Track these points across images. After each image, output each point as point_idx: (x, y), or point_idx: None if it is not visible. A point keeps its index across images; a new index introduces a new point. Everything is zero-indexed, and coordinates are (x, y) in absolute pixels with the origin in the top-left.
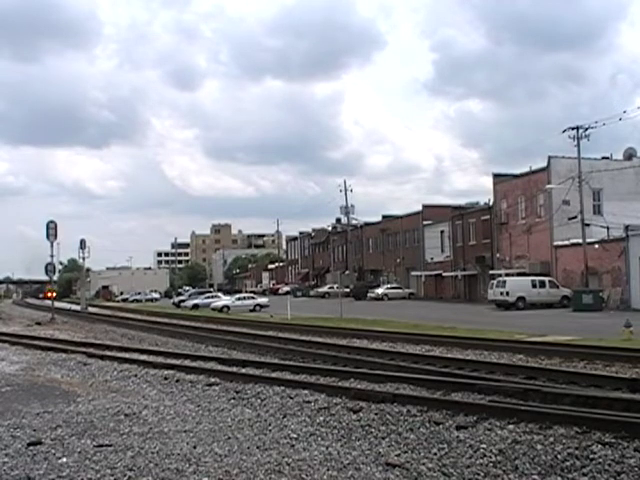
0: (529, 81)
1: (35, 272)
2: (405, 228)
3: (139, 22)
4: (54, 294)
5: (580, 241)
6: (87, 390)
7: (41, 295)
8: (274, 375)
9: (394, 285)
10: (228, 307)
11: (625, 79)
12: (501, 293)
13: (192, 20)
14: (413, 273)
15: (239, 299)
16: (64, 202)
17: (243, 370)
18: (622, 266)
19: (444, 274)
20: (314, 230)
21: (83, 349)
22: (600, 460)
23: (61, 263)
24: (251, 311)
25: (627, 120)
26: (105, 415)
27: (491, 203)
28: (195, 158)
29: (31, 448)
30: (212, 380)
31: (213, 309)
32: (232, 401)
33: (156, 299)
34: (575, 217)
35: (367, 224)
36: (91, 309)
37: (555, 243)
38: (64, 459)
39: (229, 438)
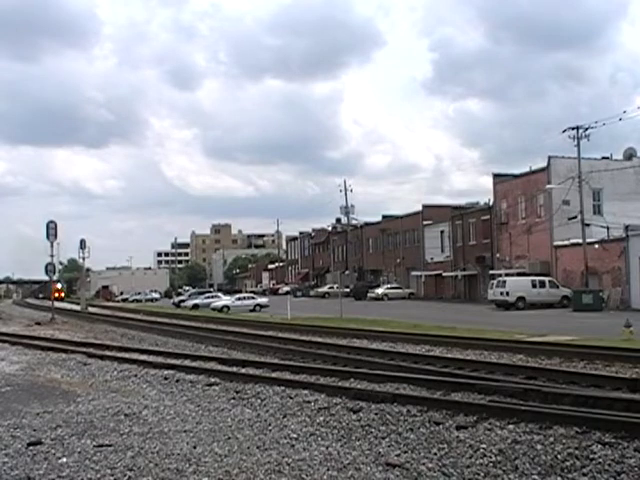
0: (529, 80)
1: (33, 272)
2: (405, 228)
3: (137, 21)
4: (62, 294)
5: (580, 241)
6: (87, 390)
7: (41, 295)
8: (274, 375)
9: (394, 285)
10: (228, 307)
11: (625, 78)
12: (501, 293)
13: (190, 19)
14: (413, 273)
15: (239, 299)
16: (63, 202)
17: (243, 370)
18: (622, 266)
19: (444, 274)
20: (314, 230)
21: (83, 349)
22: (600, 460)
23: (61, 263)
24: (251, 311)
25: (627, 120)
26: (105, 415)
27: (491, 203)
28: (194, 158)
29: (31, 448)
30: (212, 380)
31: (213, 309)
32: (232, 401)
33: (156, 299)
34: (575, 217)
35: (367, 224)
36: (91, 309)
37: (555, 243)
38: (64, 459)
39: (229, 438)
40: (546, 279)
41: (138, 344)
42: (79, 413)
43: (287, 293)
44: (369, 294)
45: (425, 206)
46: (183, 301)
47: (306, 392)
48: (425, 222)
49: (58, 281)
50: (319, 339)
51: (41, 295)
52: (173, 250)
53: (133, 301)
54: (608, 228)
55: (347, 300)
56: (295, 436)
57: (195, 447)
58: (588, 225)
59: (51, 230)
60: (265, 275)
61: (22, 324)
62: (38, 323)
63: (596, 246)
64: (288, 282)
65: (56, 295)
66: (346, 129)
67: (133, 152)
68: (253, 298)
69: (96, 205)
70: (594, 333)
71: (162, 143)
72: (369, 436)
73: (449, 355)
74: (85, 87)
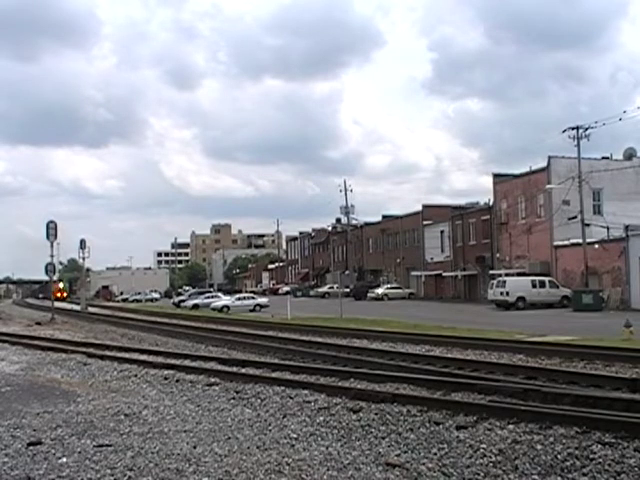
0: (529, 80)
1: (33, 272)
2: (405, 228)
3: (137, 21)
4: (64, 294)
5: (580, 241)
6: (87, 390)
7: (41, 295)
8: (274, 375)
9: (394, 285)
10: (228, 307)
11: (625, 78)
12: (501, 293)
13: (190, 19)
14: (413, 273)
15: (239, 299)
16: (63, 202)
17: (243, 370)
18: (622, 266)
19: (444, 274)
20: (314, 230)
21: (83, 349)
22: (600, 460)
23: (61, 263)
24: (251, 311)
25: (627, 120)
26: (105, 415)
27: (491, 203)
28: (194, 158)
29: (31, 448)
30: (212, 380)
31: (213, 309)
32: (232, 401)
33: (156, 299)
34: (575, 217)
35: (367, 224)
36: (91, 309)
37: (555, 243)
38: (64, 459)
39: (229, 438)
40: (546, 279)
41: (138, 344)
42: (79, 413)
43: (287, 293)
44: (369, 294)
45: (425, 206)
46: (183, 301)
47: (306, 392)
48: (425, 222)
49: (60, 280)
50: (319, 339)
51: (41, 295)
52: (173, 250)
53: (133, 301)
54: (608, 228)
55: (347, 300)
56: (295, 436)
57: (195, 447)
58: (588, 225)
59: (51, 230)
60: (265, 275)
61: (22, 324)
62: (38, 323)
63: (596, 246)
64: (288, 282)
65: (58, 295)
66: (346, 129)
67: (133, 152)
68: (253, 298)
69: (96, 205)
70: (594, 333)
71: (162, 143)
72: (369, 436)
73: (449, 355)
74: (84, 87)
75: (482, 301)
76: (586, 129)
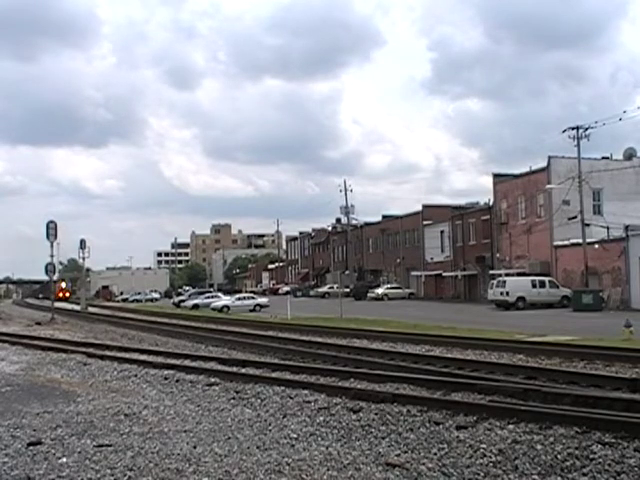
0: (529, 80)
1: (33, 272)
2: (405, 228)
3: (136, 20)
4: (67, 294)
5: (580, 241)
6: (87, 390)
7: (41, 295)
8: (274, 375)
9: (394, 285)
10: (228, 307)
11: (625, 78)
12: (501, 293)
13: (189, 18)
14: (413, 273)
15: (239, 299)
16: (63, 202)
17: (243, 370)
18: (622, 266)
19: (444, 274)
20: (314, 230)
21: (83, 349)
22: (600, 460)
23: (61, 263)
24: (251, 311)
25: (627, 120)
26: (105, 415)
27: (491, 203)
28: (194, 158)
29: (31, 448)
30: (212, 380)
31: (213, 309)
32: (232, 401)
33: (156, 299)
34: (575, 217)
35: (367, 224)
36: (91, 309)
37: (555, 243)
38: (64, 459)
39: (229, 438)
40: (546, 279)
41: (138, 344)
42: (79, 413)
43: (287, 293)
44: (369, 294)
45: (425, 206)
46: (183, 301)
47: (306, 392)
48: (425, 222)
49: (62, 280)
50: (319, 339)
51: (41, 295)
52: (173, 250)
53: (133, 301)
54: (608, 228)
55: (347, 300)
56: (295, 436)
57: (195, 447)
58: (588, 225)
59: (51, 230)
60: (265, 275)
61: (22, 324)
62: (38, 323)
63: (596, 246)
64: (288, 282)
65: (61, 295)
66: (346, 129)
67: (132, 152)
68: (253, 298)
69: (95, 205)
70: (594, 333)
71: (161, 143)
72: (369, 436)
73: (449, 355)
74: (84, 87)
75: (482, 301)
76: (586, 129)
